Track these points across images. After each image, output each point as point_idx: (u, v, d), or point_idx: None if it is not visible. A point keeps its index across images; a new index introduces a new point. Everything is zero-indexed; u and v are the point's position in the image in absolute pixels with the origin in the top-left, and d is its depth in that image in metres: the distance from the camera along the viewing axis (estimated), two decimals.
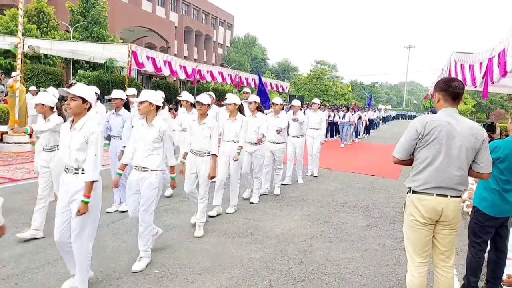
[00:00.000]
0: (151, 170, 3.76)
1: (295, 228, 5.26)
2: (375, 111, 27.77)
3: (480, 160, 2.74)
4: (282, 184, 7.51)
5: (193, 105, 6.16)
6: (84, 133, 3.08)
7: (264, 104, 7.46)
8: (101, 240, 4.41)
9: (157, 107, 3.87)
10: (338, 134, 17.64)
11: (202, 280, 3.62)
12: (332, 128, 18.25)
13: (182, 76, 16.30)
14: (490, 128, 4.83)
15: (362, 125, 20.00)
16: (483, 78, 6.41)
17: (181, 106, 7.18)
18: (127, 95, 5.88)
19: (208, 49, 51.17)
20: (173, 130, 6.47)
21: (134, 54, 12.62)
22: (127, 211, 5.63)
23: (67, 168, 3.17)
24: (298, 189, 7.62)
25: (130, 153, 3.91)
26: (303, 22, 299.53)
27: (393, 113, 56.34)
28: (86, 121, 3.11)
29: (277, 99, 7.04)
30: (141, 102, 3.77)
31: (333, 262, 4.21)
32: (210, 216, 5.32)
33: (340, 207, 6.47)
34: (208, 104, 4.71)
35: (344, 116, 16.27)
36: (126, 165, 4.07)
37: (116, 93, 5.55)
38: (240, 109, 5.58)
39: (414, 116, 62.03)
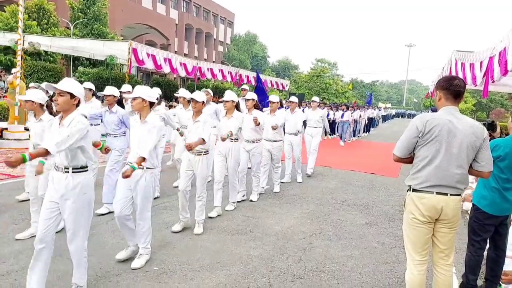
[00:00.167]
0: (147, 168, 3.70)
1: (294, 225, 5.26)
2: (375, 110, 27.72)
3: (480, 159, 2.74)
4: (281, 182, 7.50)
5: (190, 102, 6.13)
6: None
7: (262, 102, 7.38)
8: (101, 237, 4.42)
9: (151, 104, 3.78)
10: (337, 132, 17.59)
11: (201, 277, 3.63)
12: (331, 126, 18.22)
13: (183, 73, 16.28)
14: (490, 127, 4.84)
15: (361, 124, 19.92)
16: (483, 77, 6.40)
17: (178, 103, 7.18)
18: (121, 92, 5.82)
19: (209, 46, 51.11)
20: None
21: (134, 51, 12.59)
22: None
23: (57, 166, 3.05)
24: (298, 187, 7.62)
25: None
26: (303, 20, 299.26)
27: (393, 112, 56.27)
28: (75, 117, 2.96)
29: (273, 97, 6.94)
30: (134, 98, 3.70)
31: (332, 259, 4.21)
32: (210, 217, 5.30)
33: (340, 205, 6.48)
34: (203, 102, 4.63)
35: (343, 115, 16.20)
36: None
37: (109, 90, 5.43)
38: (237, 106, 5.53)
39: (413, 115, 62.10)
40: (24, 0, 10.17)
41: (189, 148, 4.40)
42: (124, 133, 5.42)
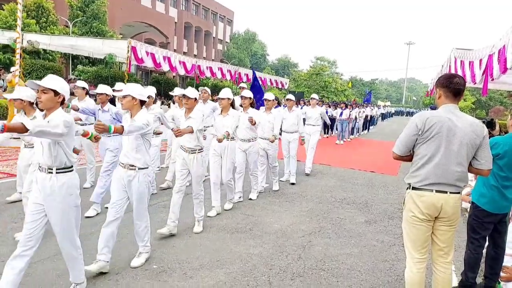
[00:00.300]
0: (139, 168, 3.59)
1: (294, 224, 5.27)
2: (373, 108, 27.69)
3: (480, 157, 2.74)
4: (280, 180, 7.48)
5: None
6: None
7: (259, 101, 7.27)
8: None
9: (142, 102, 3.64)
10: (336, 130, 17.52)
11: (201, 276, 3.63)
12: (329, 124, 18.17)
13: (182, 71, 16.28)
14: (490, 125, 4.83)
15: (360, 122, 19.86)
16: (483, 74, 6.39)
17: (173, 103, 7.14)
18: (114, 90, 5.79)
19: (208, 45, 51.04)
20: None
21: (133, 49, 12.59)
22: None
23: (40, 167, 2.93)
24: (297, 185, 7.62)
25: None
26: (303, 18, 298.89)
27: (392, 110, 56.26)
28: (59, 115, 2.85)
29: (269, 95, 6.82)
30: (123, 97, 3.56)
31: (331, 257, 4.22)
32: (209, 216, 5.30)
33: (339, 203, 6.48)
34: (195, 98, 4.52)
35: (341, 113, 16.14)
36: None
37: (101, 88, 5.35)
38: (232, 104, 5.46)
39: (412, 113, 62.05)
40: None
41: (178, 133, 4.24)
42: None
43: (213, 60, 41.71)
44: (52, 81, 2.88)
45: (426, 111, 3.00)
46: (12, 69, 10.88)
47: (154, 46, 17.69)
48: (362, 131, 20.94)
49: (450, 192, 2.73)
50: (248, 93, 6.03)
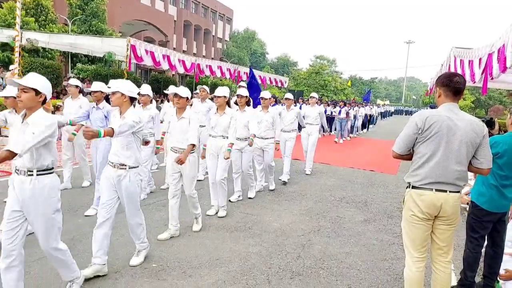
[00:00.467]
0: (130, 167, 3.48)
1: (293, 222, 5.27)
2: (373, 107, 27.67)
3: (480, 156, 2.74)
4: (282, 183, 7.42)
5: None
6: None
7: (257, 100, 7.17)
8: None
9: (132, 99, 3.52)
10: (334, 129, 17.49)
11: (200, 274, 3.63)
12: (328, 123, 18.16)
13: (181, 70, 16.25)
14: (489, 124, 4.82)
15: (359, 121, 19.80)
16: (482, 73, 6.39)
17: (168, 101, 7.09)
18: (109, 87, 5.72)
19: (207, 43, 50.96)
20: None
21: (133, 47, 12.56)
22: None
23: (18, 170, 2.76)
24: (297, 184, 7.62)
25: None
26: (302, 16, 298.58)
27: (392, 109, 56.22)
28: (40, 115, 2.74)
29: (265, 93, 6.67)
30: (113, 93, 3.45)
31: (331, 256, 4.22)
32: (208, 215, 5.28)
33: (338, 202, 6.48)
34: (187, 98, 4.33)
35: (340, 111, 16.09)
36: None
37: (96, 86, 5.24)
38: (228, 102, 5.32)
39: (411, 112, 61.99)
40: None
41: (181, 163, 4.13)
42: None
43: (212, 58, 41.66)
44: (33, 79, 2.74)
45: (426, 110, 3.00)
46: (11, 67, 10.89)
47: (153, 44, 17.66)
48: (361, 130, 20.89)
49: (450, 191, 2.73)
50: (244, 92, 5.90)
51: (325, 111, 16.87)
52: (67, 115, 6.06)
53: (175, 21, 43.10)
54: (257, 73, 21.20)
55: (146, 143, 5.74)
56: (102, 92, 5.26)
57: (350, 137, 17.35)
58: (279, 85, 28.52)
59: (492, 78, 6.03)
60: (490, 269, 3.48)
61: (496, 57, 5.57)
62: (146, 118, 5.66)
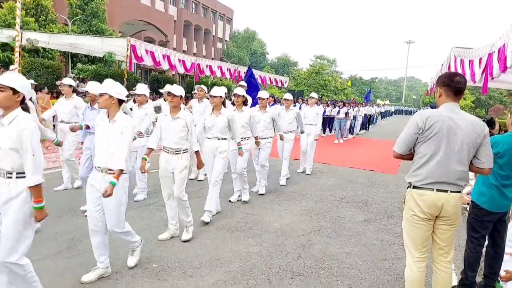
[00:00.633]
0: None
1: (293, 222, 5.26)
2: (372, 107, 27.65)
3: (481, 156, 2.74)
4: (281, 185, 7.36)
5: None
6: (16, 130, 2.59)
7: (255, 99, 7.11)
8: None
9: (120, 102, 3.36)
10: (334, 129, 17.43)
11: (201, 274, 3.63)
12: (328, 123, 18.15)
13: (181, 70, 16.24)
14: (489, 124, 4.83)
15: (358, 121, 19.73)
16: (482, 73, 6.38)
17: (165, 100, 7.04)
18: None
19: (207, 43, 50.95)
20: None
21: (133, 48, 12.56)
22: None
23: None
24: (297, 184, 7.62)
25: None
26: (302, 16, 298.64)
27: (392, 109, 56.17)
28: (18, 115, 2.63)
29: (263, 93, 6.57)
30: (100, 95, 3.31)
31: (331, 256, 4.22)
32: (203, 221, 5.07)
33: (339, 202, 6.48)
34: (181, 96, 4.21)
35: (339, 111, 16.04)
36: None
37: (91, 86, 5.13)
38: (223, 103, 5.15)
39: (410, 111, 61.91)
40: None
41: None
42: None
43: (212, 58, 41.66)
44: (11, 78, 2.65)
45: (426, 109, 2.99)
46: (11, 67, 10.87)
47: (153, 44, 17.67)
48: (360, 130, 20.72)
49: (451, 191, 2.73)
50: (241, 91, 5.80)
51: (324, 111, 16.89)
52: (61, 115, 6.05)
53: (175, 21, 43.09)
54: (257, 73, 21.19)
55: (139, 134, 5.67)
56: None
57: (348, 137, 17.22)
58: (279, 85, 28.51)
59: (492, 78, 6.02)
60: (491, 269, 3.48)
61: (496, 57, 5.56)
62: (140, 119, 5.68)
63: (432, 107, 11.69)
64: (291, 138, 7.56)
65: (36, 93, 12.02)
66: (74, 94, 6.00)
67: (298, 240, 4.64)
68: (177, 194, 4.27)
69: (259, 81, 20.27)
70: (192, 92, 8.53)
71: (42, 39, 14.25)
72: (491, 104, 45.28)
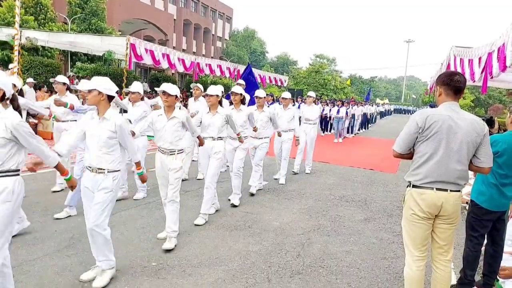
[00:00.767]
0: (108, 172, 3.23)
1: (293, 221, 5.27)
2: (372, 106, 27.65)
3: (481, 155, 2.74)
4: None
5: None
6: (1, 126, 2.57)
7: (254, 97, 7.06)
8: None
9: (110, 98, 3.28)
10: (333, 129, 17.41)
11: (200, 273, 3.63)
12: (327, 122, 18.15)
13: (181, 69, 16.23)
14: (489, 123, 4.84)
15: (357, 120, 19.71)
16: (482, 72, 6.38)
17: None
18: None
19: (207, 42, 50.90)
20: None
21: (132, 46, 12.54)
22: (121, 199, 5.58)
23: None
24: (296, 182, 7.62)
25: (65, 144, 3.23)
26: (302, 15, 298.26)
27: (392, 108, 56.14)
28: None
29: (260, 92, 6.46)
30: (89, 91, 3.21)
31: (330, 255, 4.22)
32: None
33: (338, 200, 6.48)
34: (176, 96, 4.13)
35: (338, 111, 16.03)
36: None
37: (82, 84, 5.19)
38: (220, 102, 5.08)
39: (408, 111, 61.85)
40: None
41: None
42: None
43: (212, 57, 41.66)
44: None
45: (426, 109, 2.99)
46: (10, 66, 10.84)
47: (153, 43, 17.64)
48: (359, 130, 20.63)
49: (451, 190, 2.73)
50: (239, 89, 5.72)
51: (323, 110, 16.90)
52: (55, 113, 6.01)
53: (174, 19, 43.05)
54: (256, 71, 21.16)
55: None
56: None
57: (345, 136, 17.14)
58: (279, 84, 28.50)
59: (492, 77, 6.02)
60: (490, 268, 3.48)
61: (496, 56, 5.56)
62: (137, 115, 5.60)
63: (431, 106, 11.69)
64: (290, 137, 7.51)
65: (36, 92, 12.05)
66: (68, 92, 5.85)
67: (297, 238, 4.64)
68: (171, 195, 4.17)
69: (259, 80, 20.24)
70: (191, 90, 8.50)
71: (42, 37, 14.22)
72: (491, 103, 45.30)
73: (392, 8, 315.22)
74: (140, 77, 31.10)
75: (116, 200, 5.25)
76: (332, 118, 16.62)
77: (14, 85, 5.28)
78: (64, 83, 5.81)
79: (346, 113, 16.16)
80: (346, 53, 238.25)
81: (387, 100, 65.93)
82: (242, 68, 22.28)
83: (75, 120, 5.54)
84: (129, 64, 12.95)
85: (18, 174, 2.71)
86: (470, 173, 2.96)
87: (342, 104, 16.70)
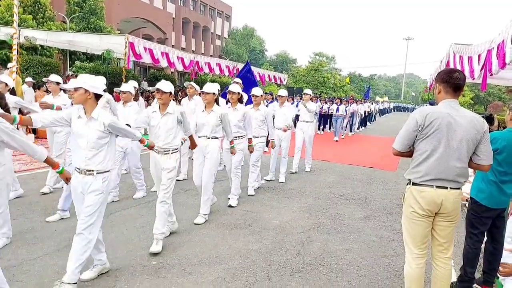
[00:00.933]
0: (98, 173, 3.14)
1: (293, 219, 5.27)
2: (372, 104, 27.62)
3: (480, 152, 2.74)
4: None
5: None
6: None
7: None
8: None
9: (97, 96, 3.18)
10: (332, 127, 17.38)
11: (200, 272, 3.63)
12: (326, 120, 18.13)
13: (180, 67, 16.20)
14: (488, 120, 4.83)
15: (357, 118, 19.68)
16: (481, 70, 6.37)
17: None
18: None
19: (206, 40, 50.82)
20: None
21: (131, 45, 12.51)
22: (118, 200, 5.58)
23: None
24: (296, 181, 7.62)
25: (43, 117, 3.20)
26: (301, 13, 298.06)
27: (391, 106, 56.12)
28: None
29: (257, 90, 6.40)
30: (75, 89, 3.10)
31: (330, 253, 4.22)
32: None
33: (338, 199, 6.49)
34: (170, 93, 4.07)
35: (338, 109, 16.01)
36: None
37: (70, 83, 5.03)
38: (216, 100, 4.98)
39: (408, 108, 61.81)
40: None
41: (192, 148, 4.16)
42: None
43: (211, 56, 41.55)
44: None
45: (426, 106, 2.99)
46: (9, 65, 10.81)
47: (152, 41, 17.60)
48: (358, 128, 20.55)
49: (451, 188, 2.73)
50: (236, 88, 5.64)
51: (322, 108, 16.89)
52: (48, 114, 5.94)
53: (173, 18, 42.97)
54: (256, 70, 21.13)
55: None
56: None
57: (345, 135, 17.14)
58: (278, 82, 28.45)
59: (491, 75, 6.01)
60: (490, 265, 3.48)
61: (495, 53, 5.55)
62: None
63: (431, 104, 11.68)
64: (288, 135, 7.50)
65: (35, 91, 12.02)
66: (61, 91, 5.78)
67: (297, 237, 4.64)
68: (162, 196, 4.07)
69: (258, 78, 20.22)
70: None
71: (40, 36, 14.17)
72: (490, 100, 45.33)
73: (391, 6, 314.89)
74: (139, 76, 31.04)
75: (134, 199, 5.18)
76: (331, 116, 16.62)
77: (6, 84, 5.28)
78: (58, 83, 5.73)
79: (346, 111, 16.14)
80: (346, 51, 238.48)
81: (387, 98, 65.88)
82: (241, 67, 22.26)
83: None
84: (127, 63, 12.92)
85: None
86: (470, 171, 2.96)
87: (341, 102, 16.68)
